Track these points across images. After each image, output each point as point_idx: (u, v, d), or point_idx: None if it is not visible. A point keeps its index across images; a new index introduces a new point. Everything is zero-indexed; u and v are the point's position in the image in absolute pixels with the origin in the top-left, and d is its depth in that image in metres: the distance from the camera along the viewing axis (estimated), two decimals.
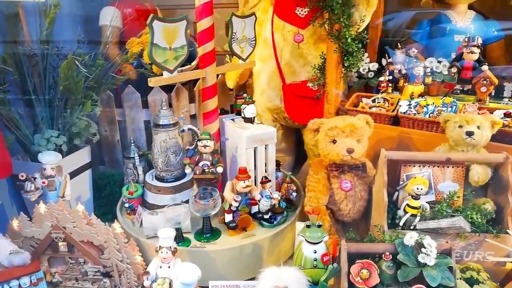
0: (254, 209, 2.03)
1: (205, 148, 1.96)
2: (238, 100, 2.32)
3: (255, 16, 2.24)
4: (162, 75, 1.92)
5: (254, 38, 2.27)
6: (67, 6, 2.38)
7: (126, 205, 2.15)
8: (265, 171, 2.15)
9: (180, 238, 1.92)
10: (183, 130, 2.12)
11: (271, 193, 2.01)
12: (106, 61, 2.34)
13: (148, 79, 1.88)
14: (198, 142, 1.98)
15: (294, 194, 2.16)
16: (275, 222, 2.03)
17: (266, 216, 2.02)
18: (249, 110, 2.15)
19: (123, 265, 1.76)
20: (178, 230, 1.90)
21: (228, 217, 1.96)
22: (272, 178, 2.16)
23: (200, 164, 1.97)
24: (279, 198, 2.03)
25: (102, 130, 2.63)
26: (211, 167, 1.96)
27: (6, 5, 2.13)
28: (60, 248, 1.78)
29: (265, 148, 2.12)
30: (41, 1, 2.14)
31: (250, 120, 2.17)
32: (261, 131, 2.09)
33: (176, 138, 2.12)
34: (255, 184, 2.10)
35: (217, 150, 2.05)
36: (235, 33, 2.13)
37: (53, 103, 2.21)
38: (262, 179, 2.02)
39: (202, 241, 1.94)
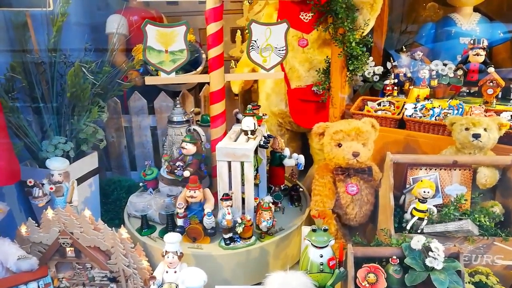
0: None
1: (183, 149, 2.01)
2: (254, 110, 2.20)
3: (287, 25, 2.03)
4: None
5: (284, 48, 2.06)
6: (74, 15, 2.41)
7: (141, 184, 2.28)
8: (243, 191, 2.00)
9: (144, 225, 2.06)
10: (189, 130, 2.18)
11: (228, 213, 1.86)
12: (113, 68, 2.37)
13: (145, 77, 1.94)
14: (182, 142, 2.03)
15: (265, 223, 1.89)
16: (230, 245, 1.91)
17: (226, 236, 1.91)
18: (245, 123, 2.02)
19: (129, 270, 1.76)
20: (144, 217, 2.05)
21: (179, 222, 1.97)
22: (250, 199, 2.00)
23: (176, 164, 2.01)
24: (237, 221, 1.89)
25: (109, 136, 2.66)
26: (182, 169, 1.99)
27: (15, 14, 2.18)
28: (67, 254, 1.79)
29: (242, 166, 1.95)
30: (49, 10, 2.18)
31: (246, 133, 2.04)
32: (234, 146, 1.94)
33: (181, 135, 2.18)
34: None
35: (200, 154, 2.05)
36: (254, 40, 2.00)
37: (61, 110, 2.24)
38: (222, 195, 1.89)
39: (162, 237, 1.92)
